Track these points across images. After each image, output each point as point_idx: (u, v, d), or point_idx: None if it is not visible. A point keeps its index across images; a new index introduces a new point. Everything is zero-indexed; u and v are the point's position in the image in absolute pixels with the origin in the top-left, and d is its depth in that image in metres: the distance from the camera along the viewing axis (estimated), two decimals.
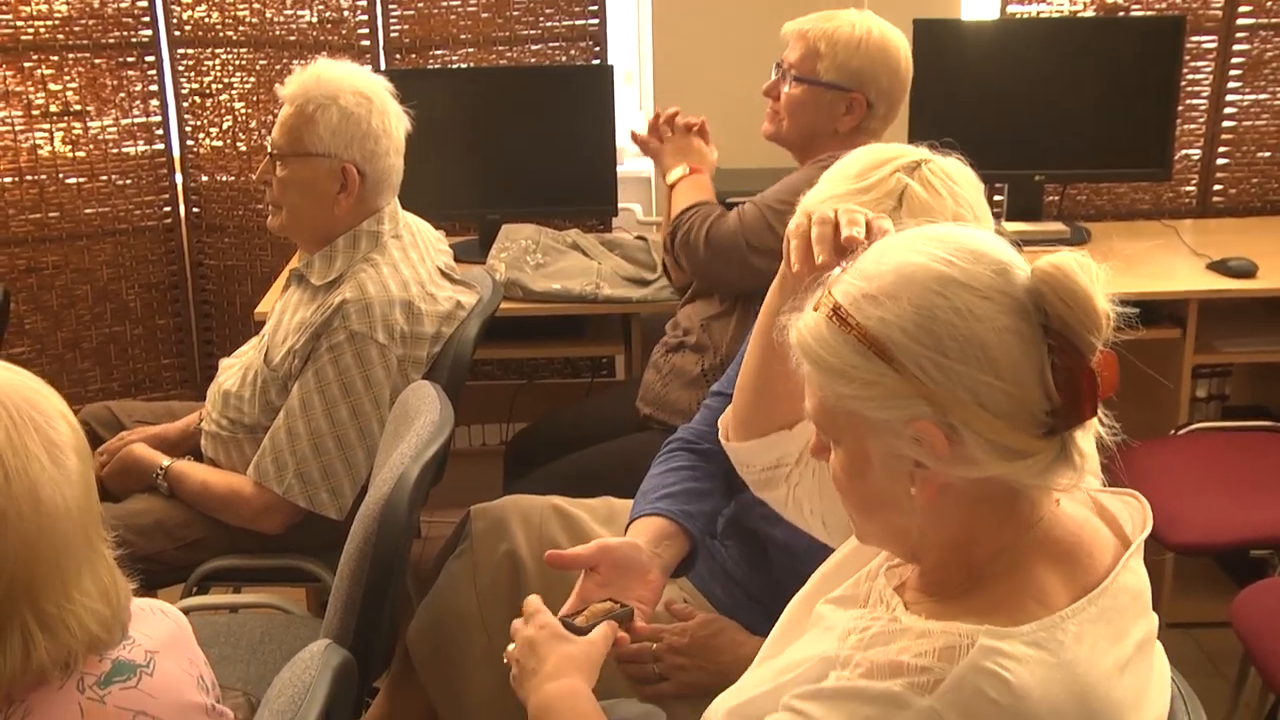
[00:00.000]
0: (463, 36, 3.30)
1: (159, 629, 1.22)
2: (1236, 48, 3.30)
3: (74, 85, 3.33)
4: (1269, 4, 3.26)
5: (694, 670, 1.72)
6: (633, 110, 3.56)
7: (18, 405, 1.08)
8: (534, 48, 3.31)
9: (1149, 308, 2.78)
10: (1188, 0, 3.24)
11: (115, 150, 3.41)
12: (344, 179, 2.15)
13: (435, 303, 2.20)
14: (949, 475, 1.03)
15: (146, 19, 3.36)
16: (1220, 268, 2.86)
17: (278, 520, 2.14)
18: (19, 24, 3.25)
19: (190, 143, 3.46)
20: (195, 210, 3.51)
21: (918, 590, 1.13)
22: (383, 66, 3.28)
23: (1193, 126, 3.34)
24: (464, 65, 3.31)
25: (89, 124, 3.37)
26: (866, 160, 1.43)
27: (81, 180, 3.39)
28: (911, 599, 1.12)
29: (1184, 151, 3.35)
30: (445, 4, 3.28)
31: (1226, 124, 3.35)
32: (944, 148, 1.45)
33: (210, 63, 3.39)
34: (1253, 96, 3.34)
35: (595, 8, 3.28)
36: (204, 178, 3.48)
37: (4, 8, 3.22)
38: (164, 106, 3.43)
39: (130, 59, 3.37)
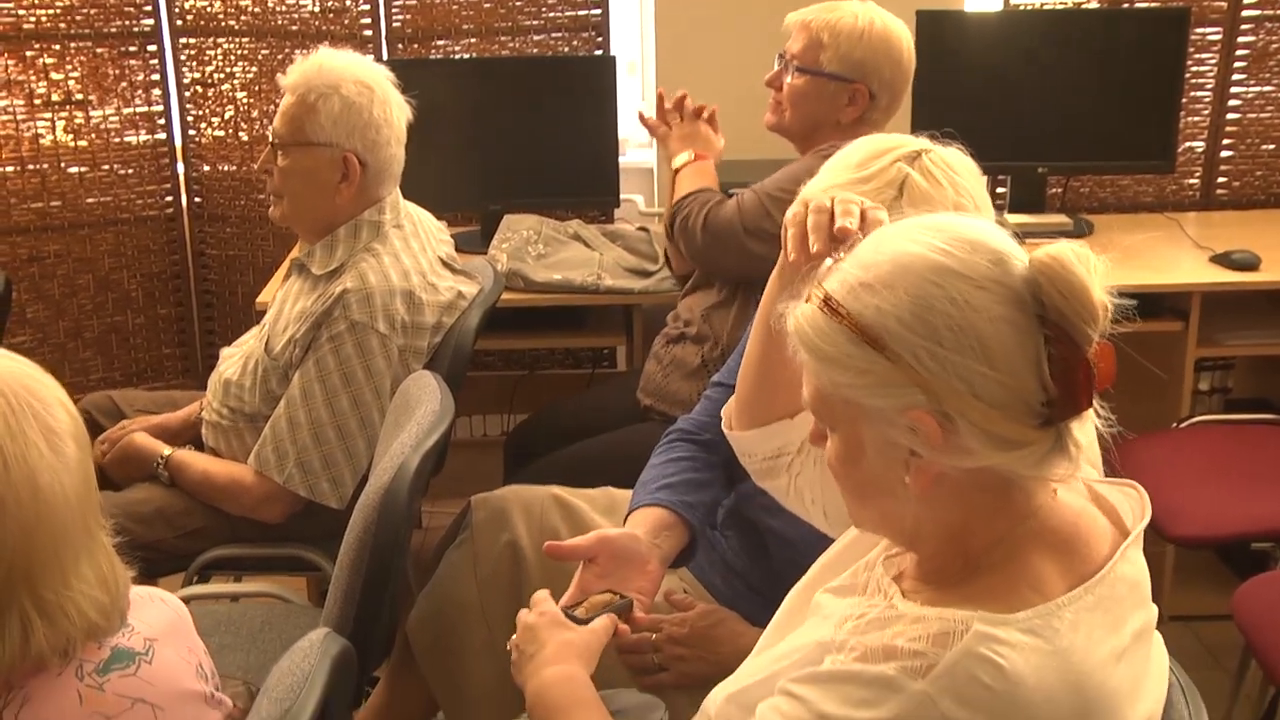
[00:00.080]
0: (465, 26, 3.29)
1: (158, 617, 1.22)
2: (1241, 40, 3.29)
3: (76, 74, 3.33)
4: None
5: (693, 661, 1.72)
6: (635, 101, 3.55)
7: (16, 393, 1.08)
8: (536, 38, 3.31)
9: (1151, 300, 2.78)
10: None
11: (117, 139, 3.41)
12: (345, 168, 2.15)
13: (436, 293, 2.20)
14: (943, 464, 1.03)
15: (148, 8, 3.36)
16: (1223, 260, 2.85)
17: (278, 509, 2.14)
18: (20, 12, 3.25)
19: (192, 132, 3.46)
20: (197, 200, 3.51)
21: (915, 579, 1.13)
22: (385, 56, 3.27)
23: (1197, 119, 3.34)
24: (466, 55, 3.31)
25: (91, 113, 3.37)
26: (867, 150, 1.43)
27: (83, 169, 3.39)
28: (909, 587, 1.12)
29: (1188, 144, 3.34)
30: None
31: (1231, 116, 3.34)
32: (944, 138, 1.45)
33: (212, 52, 3.39)
34: (1257, 89, 3.33)
35: None
36: (206, 167, 3.48)
37: None
38: (166, 96, 3.43)
39: (132, 48, 3.37)
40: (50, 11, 3.27)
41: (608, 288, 2.86)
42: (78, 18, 3.30)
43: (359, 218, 2.18)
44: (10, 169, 3.31)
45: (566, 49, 3.32)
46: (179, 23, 3.37)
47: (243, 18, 3.34)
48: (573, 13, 3.29)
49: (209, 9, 3.35)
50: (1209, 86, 3.32)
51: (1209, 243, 2.97)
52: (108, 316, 3.49)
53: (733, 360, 1.86)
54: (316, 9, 3.30)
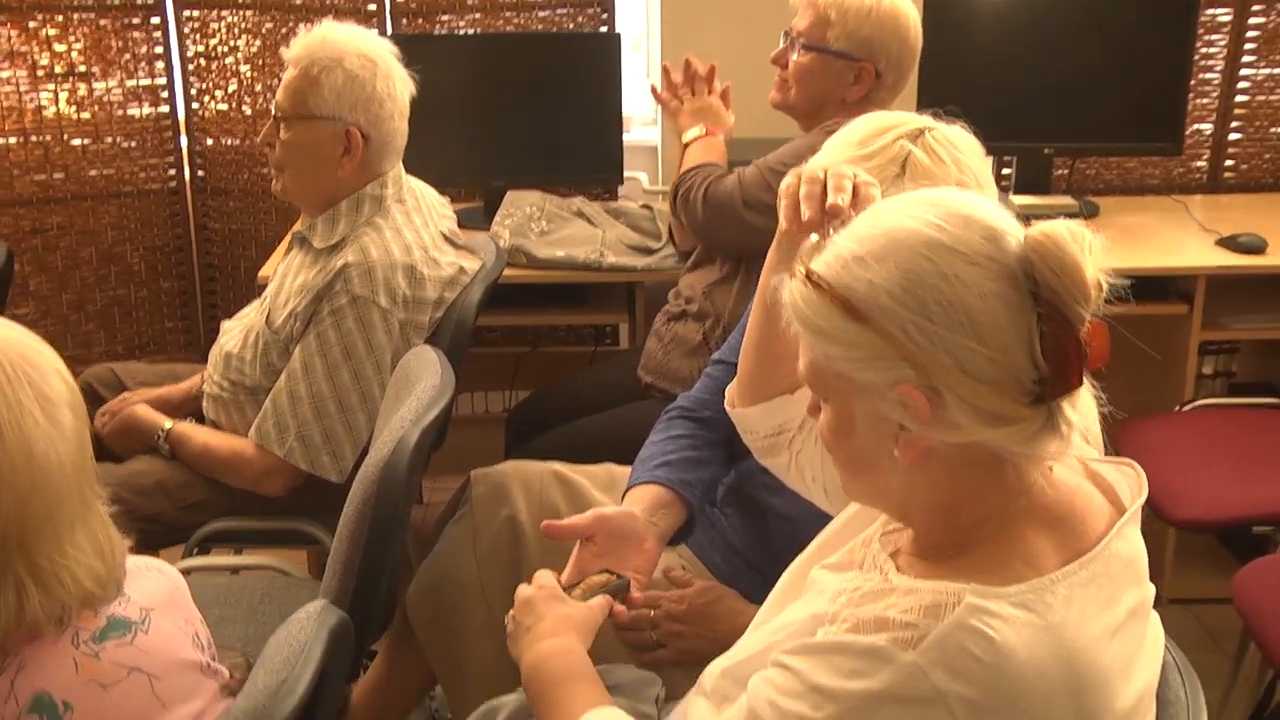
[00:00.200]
0: (469, 2, 3.27)
1: (155, 587, 1.23)
2: (1252, 21, 3.27)
3: (79, 46, 3.32)
4: None
5: (691, 638, 1.72)
6: (640, 78, 3.54)
7: (13, 361, 1.08)
8: (541, 14, 3.29)
9: (1157, 283, 2.77)
10: None
11: (120, 112, 3.40)
12: (348, 142, 2.14)
13: (438, 267, 2.19)
14: (932, 439, 1.03)
15: None
16: (1230, 244, 2.84)
17: (279, 483, 2.14)
18: None
19: (196, 105, 3.45)
20: (200, 174, 3.51)
21: (911, 554, 1.13)
22: (389, 31, 3.26)
23: (1205, 100, 3.32)
24: (471, 31, 3.29)
25: (94, 85, 3.36)
26: (870, 127, 1.43)
27: (86, 142, 3.39)
28: (904, 563, 1.13)
29: (1196, 126, 3.32)
30: None
31: (1240, 98, 3.32)
32: (948, 116, 1.44)
33: (216, 25, 3.37)
34: (1267, 70, 3.31)
35: None
36: (209, 141, 3.47)
37: None
38: (169, 69, 3.41)
39: (135, 20, 3.36)
40: None
41: (610, 265, 2.85)
42: None
43: (361, 192, 2.18)
44: (13, 140, 3.31)
45: (571, 25, 3.30)
46: None
47: None
48: None
49: None
50: (1218, 68, 3.30)
51: (1215, 226, 2.95)
52: (110, 289, 3.49)
53: (734, 338, 1.86)
54: None
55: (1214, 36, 3.27)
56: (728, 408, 1.56)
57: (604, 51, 3.09)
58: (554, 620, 1.39)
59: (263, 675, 1.20)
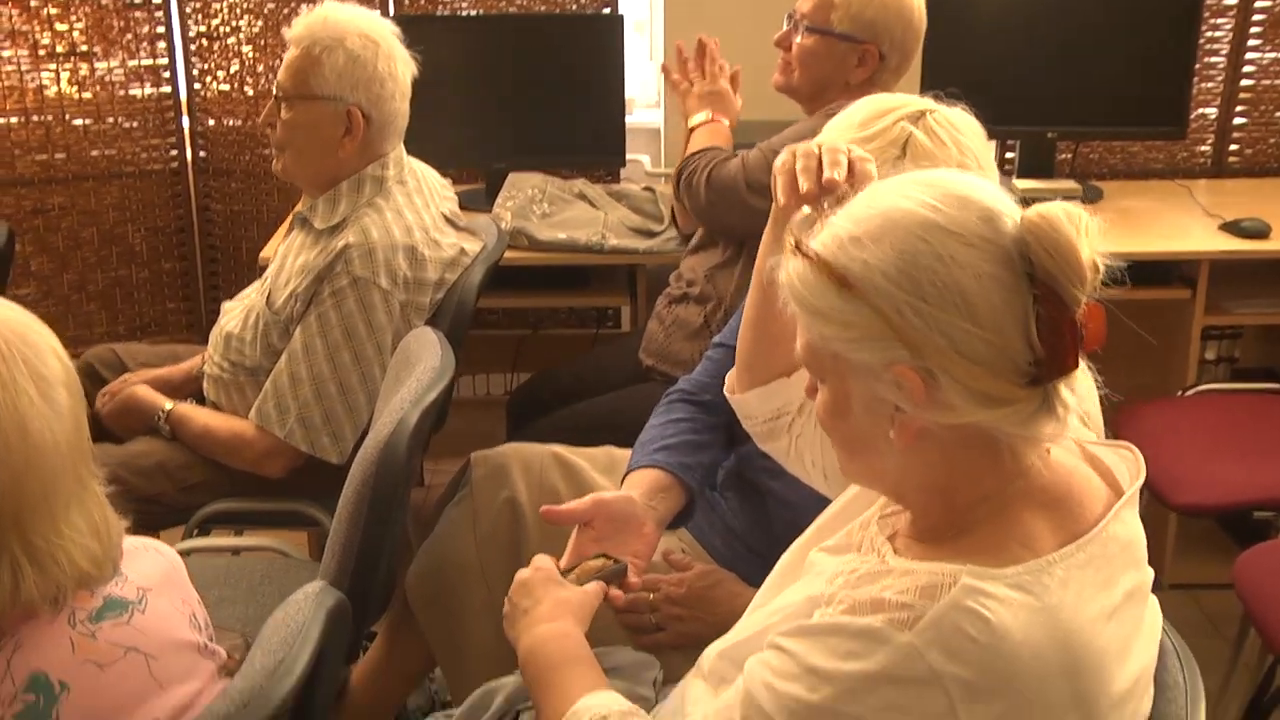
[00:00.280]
0: None
1: (152, 567, 1.23)
2: (1258, 4, 3.25)
3: (80, 25, 3.31)
4: None
5: (690, 621, 1.72)
6: (643, 60, 3.53)
7: (8, 340, 1.08)
8: None
9: (1160, 268, 2.76)
10: None
11: (122, 92, 3.39)
12: (349, 122, 2.13)
13: (439, 249, 2.19)
14: (927, 420, 1.03)
15: None
16: (1233, 228, 2.83)
17: (279, 464, 2.14)
18: None
19: (197, 86, 3.44)
20: (202, 154, 3.50)
21: (908, 537, 1.13)
22: (391, 11, 3.25)
23: (1210, 85, 3.30)
24: (473, 12, 3.28)
25: (95, 65, 3.35)
26: (871, 108, 1.43)
27: (88, 122, 3.38)
28: (901, 545, 1.13)
29: (1200, 110, 3.31)
30: None
31: (1245, 83, 3.31)
32: (949, 98, 1.44)
33: (218, 5, 3.36)
34: (1273, 55, 3.29)
35: None
36: (211, 121, 3.47)
37: None
38: (171, 49, 3.40)
39: (137, 0, 3.34)
40: None
41: (612, 247, 2.84)
42: None
43: (362, 172, 2.17)
44: (14, 120, 3.30)
45: (574, 6, 3.29)
46: None
47: None
48: None
49: None
50: (1223, 52, 3.28)
51: (1219, 210, 2.94)
52: (112, 270, 3.49)
53: (734, 321, 1.85)
54: None
55: (1219, 20, 3.25)
56: (727, 394, 1.56)
57: (607, 33, 3.08)
58: (551, 604, 1.39)
59: (260, 656, 1.20)
